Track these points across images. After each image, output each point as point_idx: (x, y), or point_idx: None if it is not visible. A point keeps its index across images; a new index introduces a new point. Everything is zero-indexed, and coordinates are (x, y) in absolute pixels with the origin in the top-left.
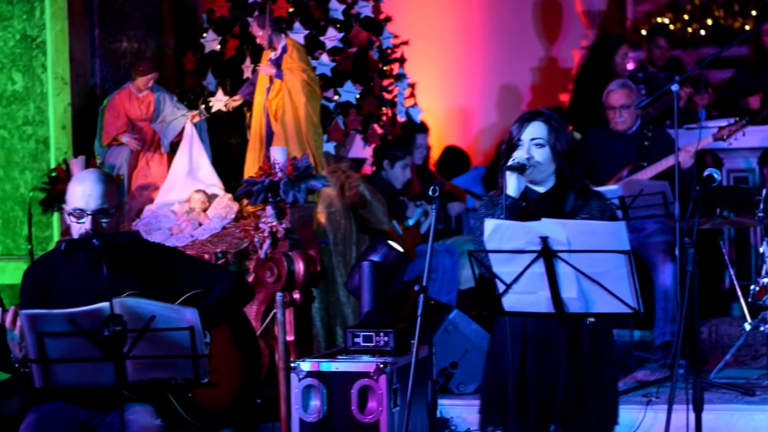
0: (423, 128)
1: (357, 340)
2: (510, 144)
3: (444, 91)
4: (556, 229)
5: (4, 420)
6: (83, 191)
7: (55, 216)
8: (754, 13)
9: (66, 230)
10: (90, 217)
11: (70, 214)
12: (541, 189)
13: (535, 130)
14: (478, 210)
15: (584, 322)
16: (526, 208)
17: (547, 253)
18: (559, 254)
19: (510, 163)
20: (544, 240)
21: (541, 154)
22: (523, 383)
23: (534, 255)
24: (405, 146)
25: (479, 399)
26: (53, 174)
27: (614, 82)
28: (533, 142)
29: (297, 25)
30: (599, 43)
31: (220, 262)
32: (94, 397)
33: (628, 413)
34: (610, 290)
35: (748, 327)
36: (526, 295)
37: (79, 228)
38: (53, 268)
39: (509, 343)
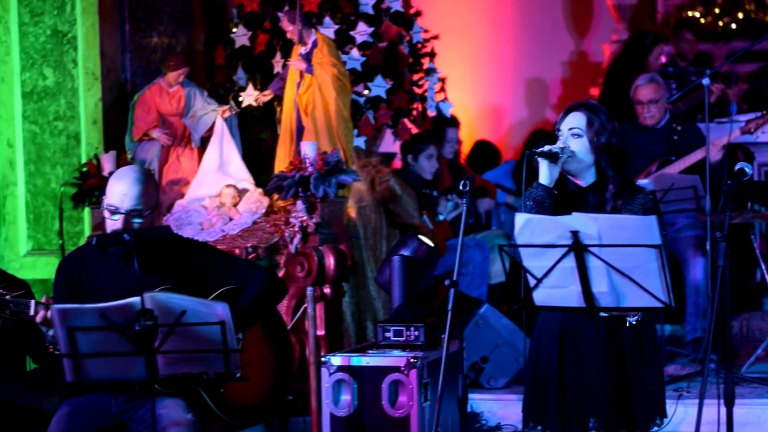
0: (454, 122)
1: (387, 334)
2: (552, 134)
3: (474, 86)
4: (587, 224)
5: (44, 418)
6: (120, 190)
7: (86, 211)
8: None
9: (99, 224)
10: (123, 216)
11: (106, 208)
12: (583, 183)
13: (574, 120)
14: (522, 202)
15: (624, 317)
16: (565, 201)
17: (577, 248)
18: (590, 248)
19: (540, 149)
20: (575, 234)
21: (577, 145)
22: (562, 379)
23: (565, 249)
24: (427, 137)
25: (522, 396)
26: (84, 169)
27: (642, 77)
28: (571, 132)
29: (327, 19)
30: (634, 40)
31: (250, 256)
32: (126, 392)
33: None
34: (641, 284)
35: None
36: (556, 290)
37: (111, 224)
38: (87, 262)
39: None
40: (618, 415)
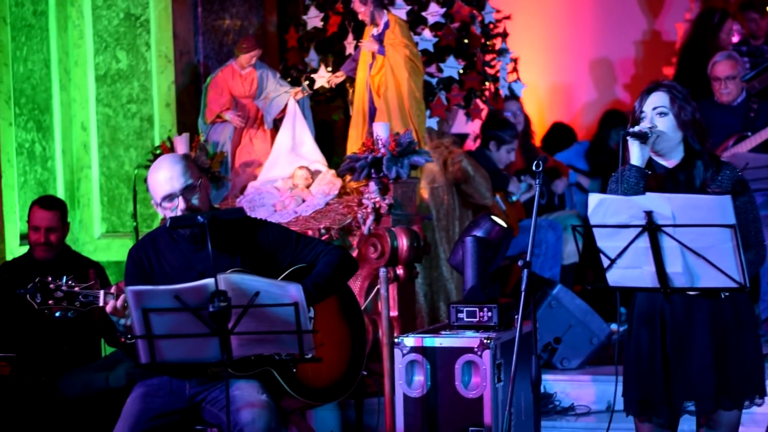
0: (513, 96)
1: (461, 315)
2: (634, 118)
3: (546, 66)
4: (661, 203)
5: (112, 393)
6: (164, 177)
7: None
8: None
9: None
10: (180, 197)
11: (161, 205)
12: (669, 163)
13: (657, 99)
14: (608, 185)
15: (722, 296)
16: (655, 182)
17: (651, 228)
18: (664, 228)
19: (630, 129)
20: (649, 214)
21: (664, 123)
22: (665, 361)
23: (638, 229)
24: (512, 131)
25: (623, 379)
26: (158, 152)
27: (720, 54)
28: (655, 111)
29: (399, 0)
30: (702, 19)
31: (323, 238)
32: (199, 374)
33: None
34: (715, 265)
35: None
36: (630, 270)
37: (174, 214)
38: (157, 247)
39: (647, 322)
40: (720, 393)
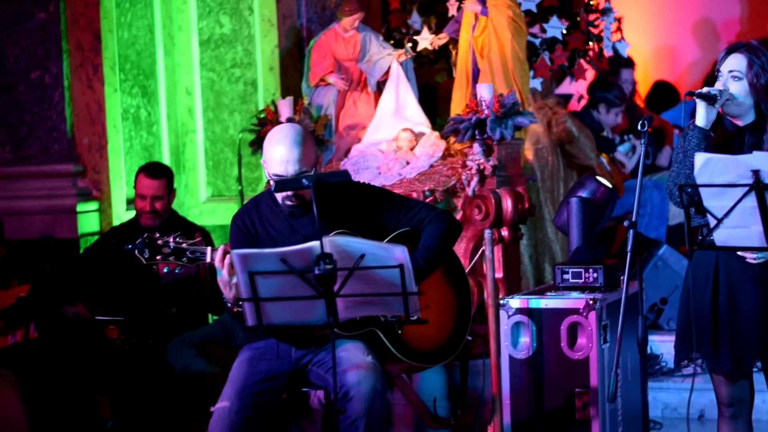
0: (629, 63)
1: (566, 276)
2: (712, 74)
3: (650, 25)
4: None
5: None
6: (280, 156)
7: None
8: None
9: None
10: None
11: (271, 178)
12: (741, 123)
13: (734, 62)
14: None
15: None
16: (722, 140)
17: (759, 187)
18: None
19: (698, 90)
20: (756, 173)
21: (737, 87)
22: (715, 319)
23: (745, 189)
24: (620, 93)
25: (675, 332)
26: (262, 115)
27: None
28: (731, 74)
29: None
30: None
31: (428, 200)
32: (305, 336)
33: None
34: None
35: None
36: (737, 230)
37: (281, 194)
38: (260, 212)
39: (702, 279)
40: None
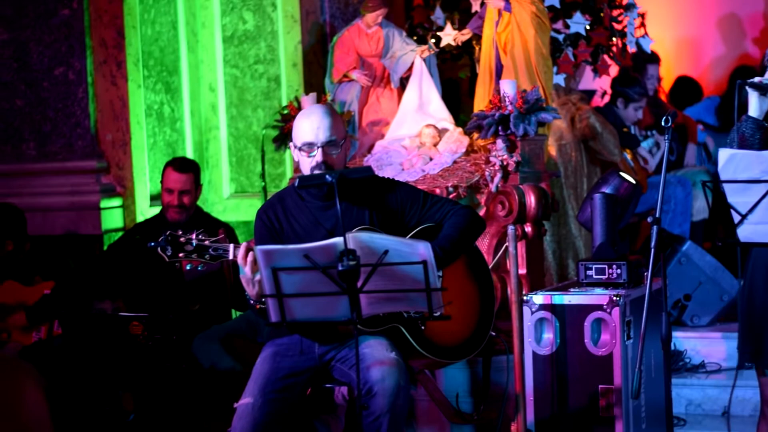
0: (654, 59)
1: (589, 272)
2: (761, 66)
3: (674, 21)
4: None
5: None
6: (311, 124)
7: (288, 153)
8: None
9: (297, 167)
10: (320, 149)
11: (299, 149)
12: None
13: None
14: (729, 135)
15: None
16: None
17: None
18: None
19: (751, 80)
20: None
21: None
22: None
23: None
24: (640, 89)
25: (737, 335)
26: (285, 111)
27: None
28: None
29: None
30: None
31: (451, 196)
32: (329, 332)
33: None
34: None
35: None
36: (762, 226)
37: (309, 162)
38: (285, 206)
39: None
40: None
